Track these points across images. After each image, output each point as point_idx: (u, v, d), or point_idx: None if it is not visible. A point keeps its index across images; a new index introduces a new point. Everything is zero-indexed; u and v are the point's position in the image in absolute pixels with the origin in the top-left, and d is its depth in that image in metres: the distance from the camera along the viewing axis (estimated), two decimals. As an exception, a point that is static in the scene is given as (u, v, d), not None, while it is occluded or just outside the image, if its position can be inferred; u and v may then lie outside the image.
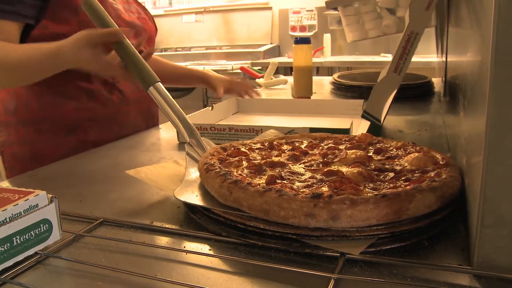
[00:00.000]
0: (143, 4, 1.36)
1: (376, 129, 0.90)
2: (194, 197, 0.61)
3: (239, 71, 2.50)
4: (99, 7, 0.91)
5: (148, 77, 0.81)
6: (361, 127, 0.96)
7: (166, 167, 0.75)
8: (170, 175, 0.72)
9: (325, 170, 0.61)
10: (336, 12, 1.57)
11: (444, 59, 1.33)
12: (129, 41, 0.85)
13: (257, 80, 2.07)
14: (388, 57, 3.50)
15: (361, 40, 1.49)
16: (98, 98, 1.15)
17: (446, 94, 1.25)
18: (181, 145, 1.05)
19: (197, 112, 1.15)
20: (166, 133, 1.23)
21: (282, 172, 0.62)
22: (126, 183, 0.78)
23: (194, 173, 0.70)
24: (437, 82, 1.71)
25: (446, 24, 1.21)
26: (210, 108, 1.21)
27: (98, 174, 0.88)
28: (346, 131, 0.90)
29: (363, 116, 0.90)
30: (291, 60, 1.73)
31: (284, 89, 1.91)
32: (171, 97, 0.79)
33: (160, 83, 0.80)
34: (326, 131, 0.86)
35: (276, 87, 1.96)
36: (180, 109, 0.79)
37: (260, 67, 3.10)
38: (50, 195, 0.54)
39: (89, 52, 0.88)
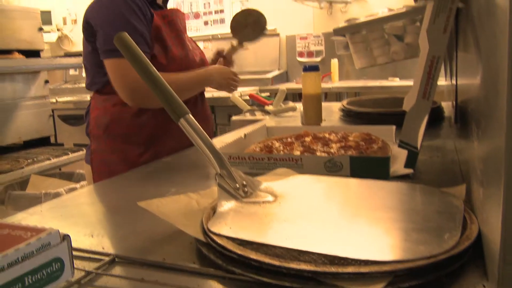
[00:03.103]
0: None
1: (413, 156, 0.91)
2: (228, 229, 0.61)
3: (248, 97, 2.52)
4: (131, 42, 0.88)
5: (178, 108, 0.79)
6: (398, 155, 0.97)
7: (178, 200, 0.74)
8: (181, 208, 0.71)
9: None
10: (343, 37, 1.57)
11: (453, 82, 1.33)
12: (158, 73, 0.82)
13: (266, 107, 2.08)
14: (396, 81, 3.51)
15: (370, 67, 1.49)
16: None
17: (457, 120, 1.24)
18: (193, 177, 1.05)
19: (230, 141, 1.15)
20: (178, 163, 1.22)
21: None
22: (137, 216, 0.78)
23: (226, 205, 0.69)
24: (446, 106, 1.69)
25: (454, 48, 1.20)
26: (243, 136, 1.21)
27: (110, 205, 0.87)
28: (386, 160, 0.91)
29: (400, 146, 0.91)
30: (299, 86, 1.74)
31: (294, 116, 1.91)
32: (201, 129, 0.77)
33: (190, 114, 0.78)
34: (366, 161, 0.92)
35: (286, 114, 1.97)
36: (210, 140, 0.77)
37: (268, 93, 3.11)
38: (62, 233, 0.54)
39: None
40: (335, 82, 3.77)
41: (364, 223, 0.63)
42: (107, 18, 1.32)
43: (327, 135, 1.17)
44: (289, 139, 1.18)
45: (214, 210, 0.69)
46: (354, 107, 1.70)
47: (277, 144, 1.12)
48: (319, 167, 0.94)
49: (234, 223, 0.64)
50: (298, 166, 0.96)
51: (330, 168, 0.94)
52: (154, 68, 0.83)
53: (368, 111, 1.63)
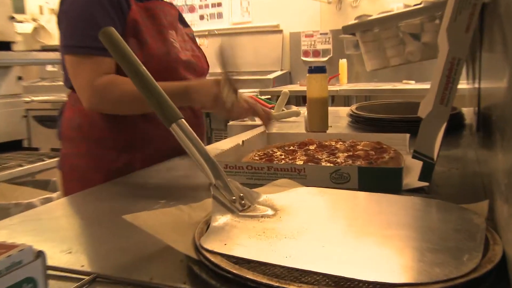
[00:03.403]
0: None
1: (429, 168, 0.90)
2: (222, 246, 0.61)
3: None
4: (119, 38, 0.90)
5: (170, 112, 0.79)
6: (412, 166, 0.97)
7: (168, 213, 0.74)
8: (171, 222, 0.71)
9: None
10: (353, 36, 1.58)
11: (476, 86, 1.33)
12: (149, 73, 0.83)
13: (266, 111, 2.08)
14: (411, 85, 3.52)
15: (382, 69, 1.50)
16: (151, 120, 1.37)
17: (479, 128, 1.25)
18: (185, 188, 1.05)
19: (227, 149, 1.16)
20: (167, 173, 1.23)
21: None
22: (122, 231, 0.78)
23: (221, 219, 0.69)
24: (467, 113, 1.70)
25: (478, 48, 1.21)
26: (241, 143, 1.21)
27: (90, 218, 0.87)
28: (398, 172, 0.92)
29: (414, 157, 0.90)
30: (303, 88, 1.74)
31: (297, 121, 1.92)
32: (195, 135, 0.78)
33: (183, 119, 0.78)
34: (376, 172, 0.94)
35: (288, 120, 1.97)
36: (205, 147, 0.77)
37: (269, 96, 3.12)
38: (36, 250, 0.53)
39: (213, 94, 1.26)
40: (343, 85, 3.79)
41: (373, 241, 0.63)
42: (69, 11, 1.33)
43: (333, 143, 1.18)
44: (291, 147, 1.18)
45: (207, 224, 0.69)
46: (364, 113, 1.71)
47: (278, 153, 1.13)
48: (324, 178, 0.95)
49: (230, 239, 0.64)
50: (301, 177, 0.96)
51: (336, 179, 0.94)
52: (144, 68, 0.84)
53: (379, 117, 1.64)
